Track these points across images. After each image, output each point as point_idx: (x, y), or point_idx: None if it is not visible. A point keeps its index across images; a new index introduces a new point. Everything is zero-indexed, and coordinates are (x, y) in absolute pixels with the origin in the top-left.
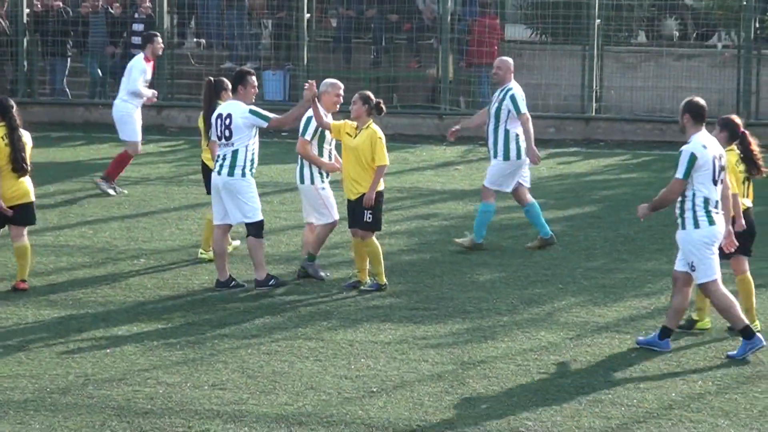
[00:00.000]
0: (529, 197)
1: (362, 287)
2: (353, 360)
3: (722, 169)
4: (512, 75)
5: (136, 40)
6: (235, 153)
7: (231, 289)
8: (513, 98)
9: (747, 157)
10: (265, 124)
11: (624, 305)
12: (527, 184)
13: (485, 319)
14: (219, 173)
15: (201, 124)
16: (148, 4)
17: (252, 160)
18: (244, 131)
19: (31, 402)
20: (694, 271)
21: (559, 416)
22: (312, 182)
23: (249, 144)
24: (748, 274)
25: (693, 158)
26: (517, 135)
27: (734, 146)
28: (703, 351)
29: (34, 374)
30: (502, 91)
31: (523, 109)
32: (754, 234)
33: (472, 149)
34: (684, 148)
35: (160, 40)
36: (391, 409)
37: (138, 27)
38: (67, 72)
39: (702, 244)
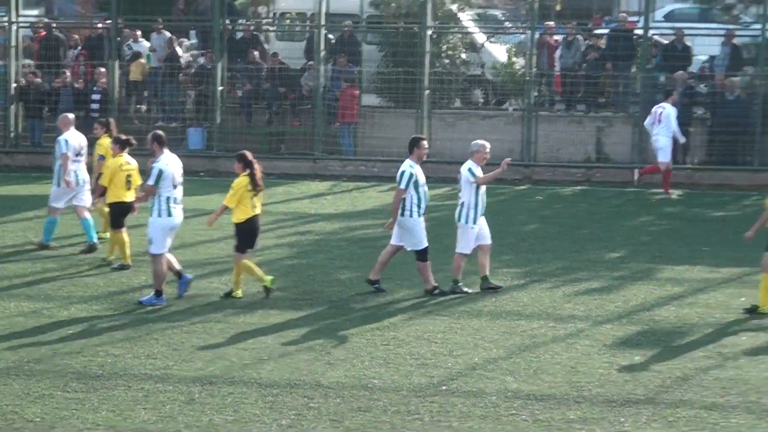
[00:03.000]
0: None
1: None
2: (250, 337)
3: (180, 176)
4: (70, 127)
5: (95, 106)
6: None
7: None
8: (65, 143)
9: (252, 180)
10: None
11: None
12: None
13: (345, 307)
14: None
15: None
16: (104, 80)
17: (417, 204)
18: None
19: (12, 369)
20: (152, 244)
21: (396, 375)
22: (466, 221)
23: (413, 192)
24: (246, 261)
25: (160, 172)
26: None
27: (247, 172)
28: (497, 326)
29: (14, 348)
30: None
31: (65, 148)
32: (257, 234)
33: (337, 184)
34: (152, 164)
35: (679, 90)
36: (277, 372)
37: (96, 96)
38: (43, 130)
39: (161, 227)
